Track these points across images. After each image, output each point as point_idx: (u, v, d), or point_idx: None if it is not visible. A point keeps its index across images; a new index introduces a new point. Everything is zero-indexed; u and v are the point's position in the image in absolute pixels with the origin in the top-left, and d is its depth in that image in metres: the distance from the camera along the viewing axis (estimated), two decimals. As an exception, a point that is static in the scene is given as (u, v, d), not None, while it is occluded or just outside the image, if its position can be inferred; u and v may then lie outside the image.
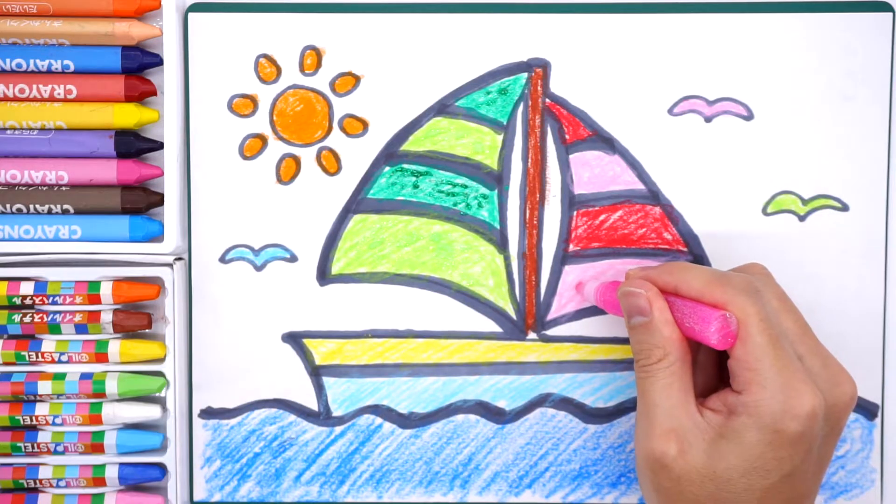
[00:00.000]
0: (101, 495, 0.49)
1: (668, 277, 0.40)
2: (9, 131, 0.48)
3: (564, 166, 0.49)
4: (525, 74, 0.48)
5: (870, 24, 0.47)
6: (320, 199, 0.49)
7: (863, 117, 0.48)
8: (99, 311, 0.48)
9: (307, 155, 0.49)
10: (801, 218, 0.49)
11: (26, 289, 0.48)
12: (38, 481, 0.49)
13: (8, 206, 0.48)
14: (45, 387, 0.48)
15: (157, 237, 0.49)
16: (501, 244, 0.49)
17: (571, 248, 0.49)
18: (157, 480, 0.49)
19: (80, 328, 0.48)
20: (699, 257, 0.49)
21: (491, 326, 0.50)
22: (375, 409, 0.49)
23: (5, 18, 0.46)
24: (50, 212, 0.48)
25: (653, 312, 0.39)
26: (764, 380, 0.36)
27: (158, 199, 0.49)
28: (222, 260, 0.49)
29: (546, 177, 0.49)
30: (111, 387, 0.48)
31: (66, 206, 0.48)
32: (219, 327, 0.49)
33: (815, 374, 0.38)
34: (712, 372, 0.42)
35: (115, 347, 0.49)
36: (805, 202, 0.49)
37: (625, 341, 0.49)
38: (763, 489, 0.37)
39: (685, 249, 0.49)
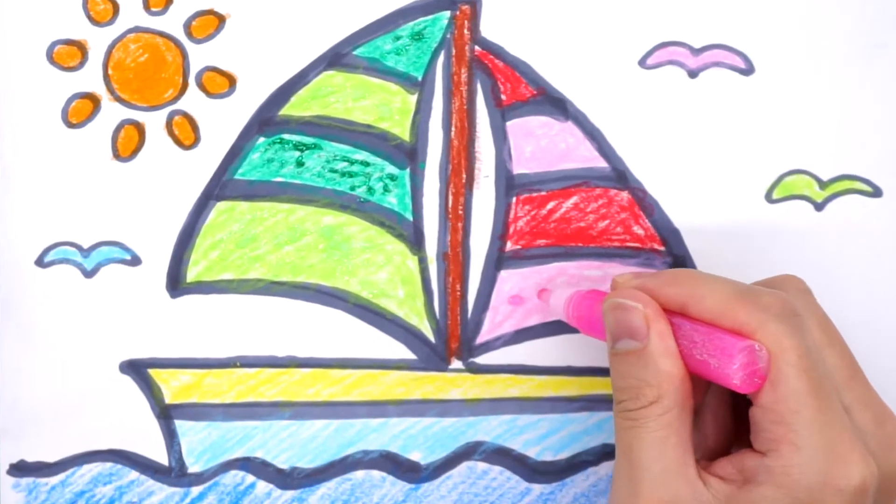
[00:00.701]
0: None
1: (674, 290, 0.34)
2: None
3: (500, 137, 0.42)
4: (447, 13, 0.42)
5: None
6: (172, 182, 0.42)
7: (898, 72, 0.41)
8: None
9: (154, 122, 0.42)
10: (819, 206, 0.42)
11: None
12: None
13: None
14: None
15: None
16: (415, 242, 0.43)
17: (509, 246, 0.42)
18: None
19: None
20: (679, 259, 0.43)
21: (401, 352, 0.43)
22: (246, 464, 0.43)
23: None
24: None
25: (650, 336, 0.33)
26: (799, 438, 0.31)
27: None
28: (40, 263, 0.43)
29: (475, 151, 0.42)
30: None
31: None
32: (35, 353, 0.42)
33: (866, 432, 0.33)
34: (723, 424, 0.36)
35: None
36: (823, 185, 0.42)
37: (582, 372, 0.43)
38: None
39: (662, 248, 0.42)
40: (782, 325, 0.32)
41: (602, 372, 0.43)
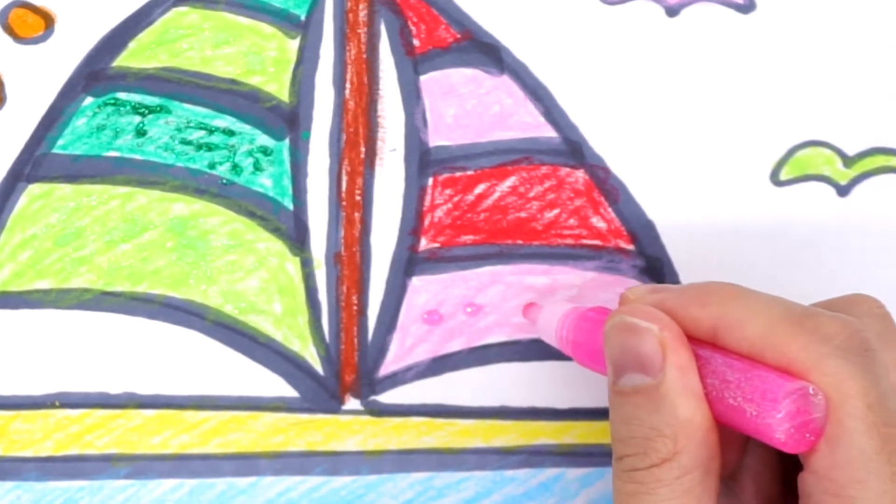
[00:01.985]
0: None
1: (703, 311, 0.32)
2: None
3: (411, 96, 0.40)
4: (339, -73, 0.40)
5: None
6: (-35, 156, 0.40)
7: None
8: None
9: (-60, 75, 0.40)
10: (842, 189, 0.41)
11: None
12: None
13: None
14: None
15: None
16: (297, 239, 0.40)
17: (424, 244, 0.40)
18: None
19: None
20: (653, 262, 0.41)
21: (278, 388, 0.40)
22: (69, 540, 0.41)
23: None
24: None
25: (665, 370, 0.31)
26: None
27: None
28: None
29: (378, 116, 0.40)
30: None
31: None
32: None
33: None
34: (767, 494, 0.35)
35: None
36: (848, 162, 0.41)
37: (522, 414, 0.41)
38: None
39: (629, 247, 0.40)
40: (847, 363, 0.30)
41: (549, 415, 0.40)
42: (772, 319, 0.31)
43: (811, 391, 0.29)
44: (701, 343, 0.32)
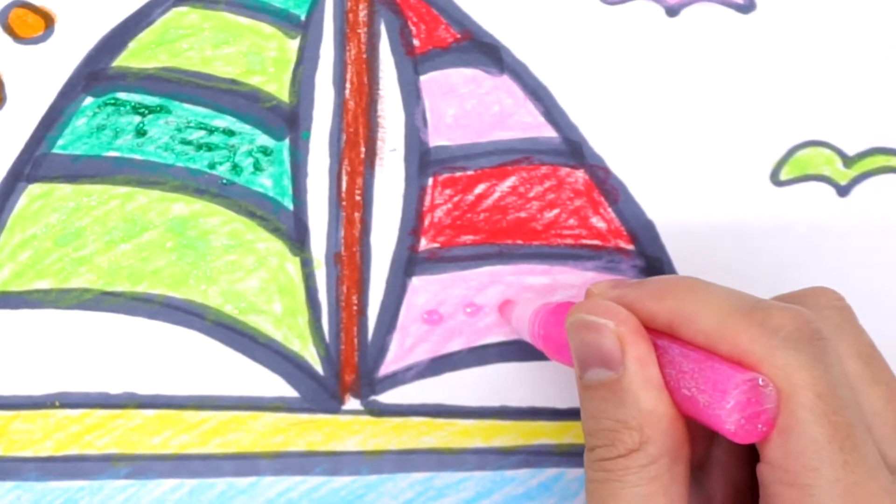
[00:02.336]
0: None
1: (660, 304, 0.33)
2: None
3: (411, 96, 0.40)
4: (339, -72, 0.40)
5: None
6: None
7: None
8: None
9: (-58, 75, 0.40)
10: (842, 190, 0.41)
11: None
12: None
13: None
14: None
15: None
16: (297, 239, 0.40)
17: (424, 244, 0.40)
18: None
19: None
20: (654, 262, 0.41)
21: (278, 388, 0.40)
22: (69, 539, 0.40)
23: None
24: None
25: (625, 364, 0.32)
26: None
27: None
28: None
29: (378, 116, 0.40)
30: None
31: None
32: None
33: None
34: (735, 485, 0.36)
35: None
36: (849, 162, 0.41)
37: (522, 414, 0.41)
38: None
39: (629, 247, 0.41)
40: (797, 354, 0.30)
41: (549, 415, 0.41)
42: (724, 312, 0.32)
43: (761, 382, 0.30)
44: (660, 335, 0.33)
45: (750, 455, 0.34)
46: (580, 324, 0.33)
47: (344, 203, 0.39)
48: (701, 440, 0.35)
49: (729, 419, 0.30)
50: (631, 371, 0.32)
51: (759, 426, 0.30)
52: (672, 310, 0.33)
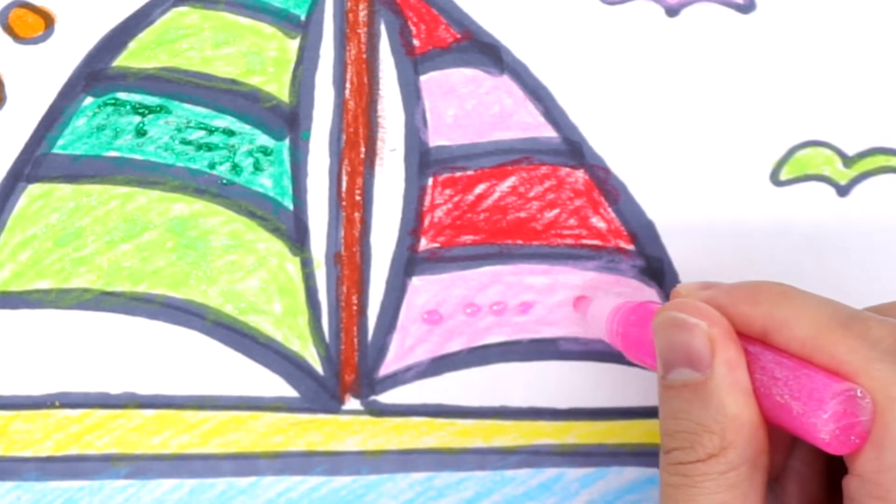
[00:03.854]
0: None
1: (753, 309, 0.33)
2: None
3: (411, 96, 0.40)
4: (339, -72, 0.41)
5: None
6: (-35, 156, 0.40)
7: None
8: None
9: (-60, 74, 0.41)
10: (842, 190, 0.41)
11: None
12: None
13: None
14: None
15: None
16: (297, 238, 0.40)
17: (424, 244, 0.41)
18: None
19: None
20: (654, 262, 0.41)
21: (278, 388, 0.41)
22: (69, 538, 0.41)
23: None
24: None
25: (714, 366, 0.32)
26: None
27: None
28: None
29: (378, 116, 0.40)
30: None
31: None
32: None
33: None
34: (811, 496, 0.36)
35: None
36: (848, 162, 0.41)
37: (522, 414, 0.41)
38: None
39: (629, 247, 0.41)
40: (895, 368, 0.30)
41: (549, 415, 0.41)
42: (820, 321, 0.31)
43: (858, 393, 0.30)
44: (751, 340, 0.32)
45: (827, 468, 0.35)
46: (670, 321, 0.33)
47: (344, 203, 0.39)
48: (779, 450, 0.35)
49: (825, 428, 0.30)
50: (719, 374, 0.32)
51: (853, 438, 0.30)
52: (767, 315, 0.33)
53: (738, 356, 0.32)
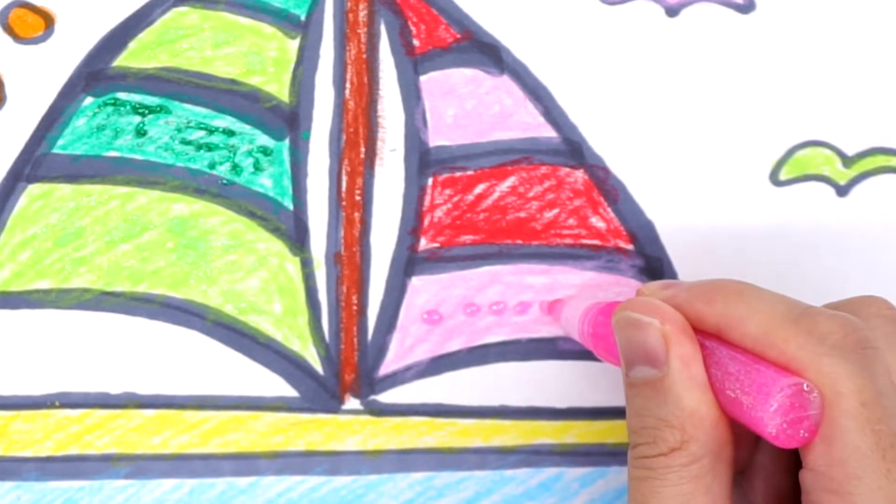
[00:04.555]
0: None
1: (709, 306, 0.33)
2: None
3: (411, 97, 0.40)
4: (339, -73, 0.40)
5: None
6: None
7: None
8: None
9: (-60, 74, 0.41)
10: (842, 190, 0.41)
11: None
12: None
13: None
14: None
15: None
16: (297, 238, 0.40)
17: (424, 244, 0.41)
18: None
19: None
20: (653, 261, 0.41)
21: (278, 388, 0.41)
22: (69, 538, 0.41)
23: None
24: None
25: (669, 362, 0.32)
26: None
27: None
28: None
29: (378, 116, 0.40)
30: None
31: None
32: None
33: None
34: (778, 491, 0.36)
35: None
36: (848, 162, 0.41)
37: (521, 414, 0.41)
38: None
39: (629, 247, 0.41)
40: (843, 361, 0.31)
41: (549, 415, 0.41)
42: (772, 318, 0.32)
43: (805, 388, 0.30)
44: (709, 335, 0.33)
45: (793, 462, 0.35)
46: (626, 321, 0.34)
47: (344, 203, 0.39)
48: (745, 445, 0.35)
49: (771, 422, 0.30)
50: (674, 370, 0.32)
51: (802, 432, 0.30)
52: (721, 313, 0.33)
53: (694, 352, 0.32)
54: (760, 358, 0.32)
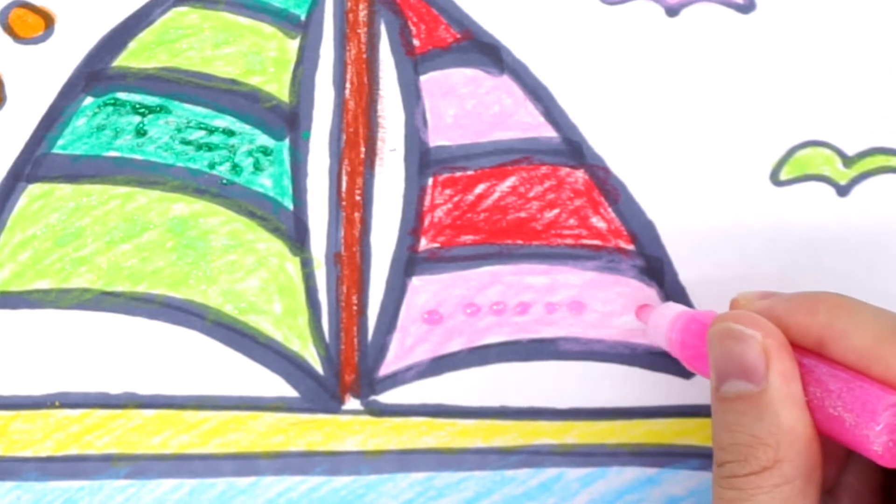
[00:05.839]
0: None
1: (810, 319, 0.32)
2: None
3: (411, 96, 0.40)
4: (339, -73, 0.40)
5: None
6: (-35, 156, 0.40)
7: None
8: None
9: (-60, 74, 0.40)
10: (842, 190, 0.41)
11: None
12: None
13: None
14: None
15: None
16: (297, 238, 0.40)
17: (424, 244, 0.40)
18: None
19: None
20: (654, 262, 0.41)
21: (278, 388, 0.41)
22: (69, 539, 0.41)
23: None
24: None
25: (769, 378, 0.31)
26: None
27: None
28: None
29: (378, 116, 0.40)
30: None
31: None
32: None
33: None
34: None
35: None
36: (848, 162, 0.41)
37: (522, 414, 0.41)
38: None
39: (629, 247, 0.41)
40: None
41: (549, 415, 0.40)
42: (879, 332, 0.31)
43: None
44: (805, 351, 0.32)
45: (882, 481, 0.35)
46: (725, 332, 0.33)
47: (344, 203, 0.39)
48: (833, 464, 0.35)
49: (877, 440, 0.29)
50: (774, 386, 0.32)
51: None
52: (824, 325, 0.32)
53: (793, 368, 0.32)
54: (863, 374, 0.31)
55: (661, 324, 0.38)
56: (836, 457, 0.34)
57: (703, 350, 0.35)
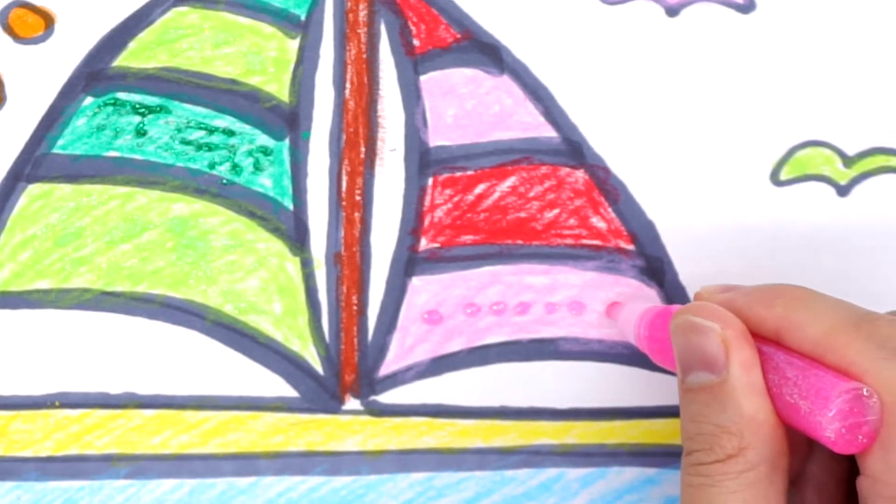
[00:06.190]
0: None
1: (768, 311, 0.33)
2: None
3: (411, 96, 0.40)
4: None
5: None
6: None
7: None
8: None
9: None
10: (842, 190, 0.41)
11: None
12: None
13: None
14: None
15: None
16: (297, 238, 0.40)
17: (424, 244, 0.40)
18: None
19: None
20: (654, 261, 0.41)
21: (278, 388, 0.40)
22: (69, 538, 0.40)
23: None
24: None
25: (729, 368, 0.32)
26: None
27: None
28: None
29: (378, 116, 0.40)
30: None
31: None
32: None
33: None
34: (830, 497, 0.36)
35: None
36: (848, 162, 0.41)
37: (522, 414, 0.41)
38: None
39: (630, 247, 0.41)
40: None
41: (549, 415, 0.40)
42: (833, 322, 0.31)
43: (865, 393, 0.30)
44: (765, 340, 0.33)
45: (845, 472, 0.35)
46: (686, 325, 0.34)
47: (344, 203, 0.39)
48: (798, 453, 0.35)
49: (830, 427, 0.30)
50: (734, 376, 0.32)
51: (860, 437, 0.30)
52: (780, 317, 0.33)
53: (753, 357, 0.32)
54: (819, 363, 0.31)
55: (630, 320, 0.38)
56: (800, 447, 0.35)
57: (668, 344, 0.35)
